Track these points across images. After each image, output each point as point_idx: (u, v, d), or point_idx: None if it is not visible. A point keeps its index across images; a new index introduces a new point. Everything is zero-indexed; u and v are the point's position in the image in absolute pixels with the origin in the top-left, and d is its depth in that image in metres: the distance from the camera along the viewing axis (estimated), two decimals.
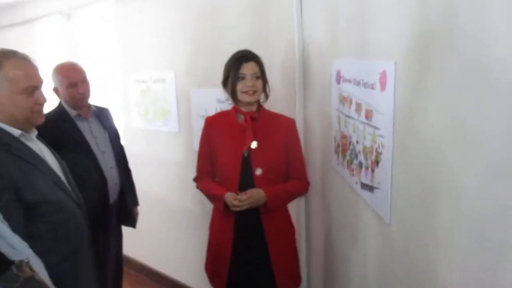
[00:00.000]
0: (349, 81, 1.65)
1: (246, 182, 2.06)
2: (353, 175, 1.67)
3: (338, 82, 1.81)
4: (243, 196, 1.99)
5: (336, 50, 1.87)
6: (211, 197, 2.19)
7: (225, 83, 2.12)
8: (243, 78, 2.04)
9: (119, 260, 2.84)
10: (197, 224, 3.23)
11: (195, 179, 2.32)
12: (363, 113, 1.51)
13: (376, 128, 1.39)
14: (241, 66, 2.05)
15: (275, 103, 2.30)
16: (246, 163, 2.08)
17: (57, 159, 1.85)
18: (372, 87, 1.40)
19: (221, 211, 2.12)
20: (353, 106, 1.62)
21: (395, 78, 1.23)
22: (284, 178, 2.14)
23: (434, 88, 1.05)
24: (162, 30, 3.27)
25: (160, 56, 3.36)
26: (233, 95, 2.09)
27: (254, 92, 2.04)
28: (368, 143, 1.48)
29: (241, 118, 2.12)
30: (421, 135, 1.12)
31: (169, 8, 3.17)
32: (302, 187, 2.20)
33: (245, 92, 2.04)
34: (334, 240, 2.08)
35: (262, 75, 2.07)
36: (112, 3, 3.67)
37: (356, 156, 1.62)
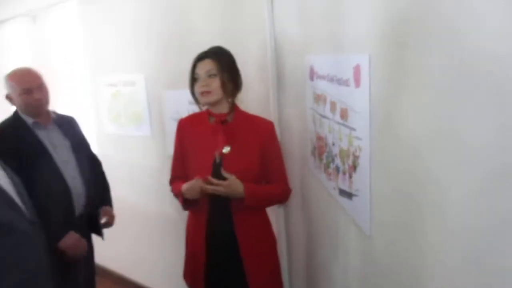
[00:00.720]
0: (323, 77, 1.51)
1: None
2: (330, 179, 1.54)
3: (312, 79, 1.67)
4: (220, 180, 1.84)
5: (309, 45, 1.73)
6: (177, 196, 2.05)
7: None
8: (197, 78, 1.91)
9: (91, 271, 2.67)
10: (175, 231, 3.07)
11: (170, 183, 2.18)
12: (338, 112, 1.37)
13: (352, 129, 1.25)
14: (195, 66, 1.92)
15: (250, 104, 2.16)
16: (217, 169, 1.93)
17: (7, 174, 1.68)
18: (346, 83, 1.26)
19: (194, 216, 2.00)
20: (328, 105, 1.48)
21: (370, 73, 1.09)
22: None
23: (413, 84, 0.91)
24: (130, 31, 3.14)
25: (129, 58, 3.21)
26: (195, 97, 1.97)
27: (208, 92, 1.89)
28: (344, 146, 1.34)
29: (213, 120, 1.98)
30: (400, 137, 0.98)
31: (136, 9, 3.02)
32: (282, 193, 2.05)
33: (200, 93, 1.90)
34: (315, 249, 1.94)
35: (220, 72, 1.88)
36: (79, 3, 3.50)
37: (333, 159, 1.48)
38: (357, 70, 1.16)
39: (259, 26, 2.21)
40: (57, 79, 4.04)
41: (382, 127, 1.07)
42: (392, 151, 1.03)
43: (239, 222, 1.93)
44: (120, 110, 3.44)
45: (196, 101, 1.97)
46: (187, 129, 2.06)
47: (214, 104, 1.93)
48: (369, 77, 1.09)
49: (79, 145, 2.48)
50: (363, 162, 1.18)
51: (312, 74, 1.65)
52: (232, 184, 1.85)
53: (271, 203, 2.07)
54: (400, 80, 0.97)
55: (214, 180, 1.84)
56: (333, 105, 1.42)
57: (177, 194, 2.03)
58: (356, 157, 1.23)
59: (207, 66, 1.88)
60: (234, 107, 1.99)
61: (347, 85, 1.25)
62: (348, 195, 1.33)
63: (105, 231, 3.68)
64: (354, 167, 1.26)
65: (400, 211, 1.03)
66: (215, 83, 1.88)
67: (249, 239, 1.96)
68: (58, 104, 4.10)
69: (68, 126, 2.48)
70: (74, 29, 3.67)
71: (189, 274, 2.12)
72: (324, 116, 1.54)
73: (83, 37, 3.60)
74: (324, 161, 1.60)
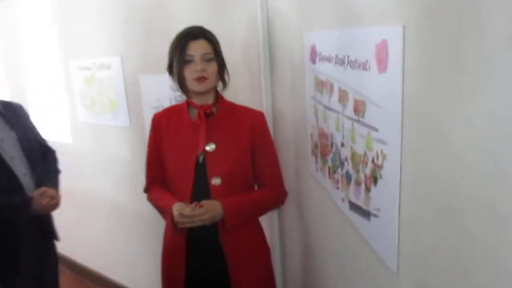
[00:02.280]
0: (328, 59, 1.19)
1: (200, 194, 1.61)
2: (337, 188, 1.23)
3: (313, 62, 1.35)
4: (195, 209, 1.53)
5: (308, 19, 1.40)
6: (159, 209, 1.75)
7: (170, 69, 1.65)
8: (190, 61, 1.57)
9: (54, 272, 2.37)
10: (154, 227, 2.76)
11: (145, 190, 1.86)
12: (350, 104, 1.06)
13: (372, 128, 0.93)
14: (187, 46, 1.57)
15: (237, 92, 1.85)
16: (201, 171, 1.63)
17: None
18: (363, 67, 0.94)
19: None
20: (335, 94, 1.16)
21: (404, 52, 0.77)
22: (249, 189, 1.71)
23: (475, 66, 0.60)
24: (104, 9, 2.80)
25: (104, 39, 2.88)
26: (181, 83, 1.63)
27: (205, 78, 1.57)
28: (359, 149, 1.03)
29: (194, 113, 1.66)
30: (452, 144, 0.67)
31: None
32: (274, 199, 1.76)
33: (195, 79, 1.57)
34: (316, 270, 1.62)
35: (216, 56, 1.60)
36: None
37: (342, 164, 1.17)
38: (381, 48, 0.84)
39: (248, 0, 1.88)
40: (26, 64, 3.71)
41: (421, 129, 0.76)
42: (437, 163, 0.72)
43: (225, 232, 1.63)
44: (94, 97, 3.10)
45: (181, 87, 1.65)
46: (164, 124, 1.75)
47: (204, 93, 1.62)
48: (402, 58, 0.77)
49: (27, 137, 2.16)
50: (389, 175, 0.87)
51: (314, 56, 1.33)
52: (211, 209, 1.55)
53: (261, 213, 1.77)
54: (453, 61, 0.65)
55: (187, 212, 1.53)
56: (343, 95, 1.10)
57: (162, 209, 1.71)
58: (377, 167, 0.92)
59: (203, 47, 1.57)
60: (218, 97, 1.68)
61: (365, 69, 0.93)
62: (364, 213, 1.02)
63: (83, 228, 3.40)
64: (373, 178, 0.95)
65: (444, 245, 0.73)
66: (213, 69, 1.59)
67: (238, 249, 1.68)
68: (27, 91, 3.77)
69: (14, 116, 2.16)
70: (44, 9, 3.32)
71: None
72: (329, 108, 1.23)
73: (54, 16, 3.26)
74: (329, 164, 1.28)
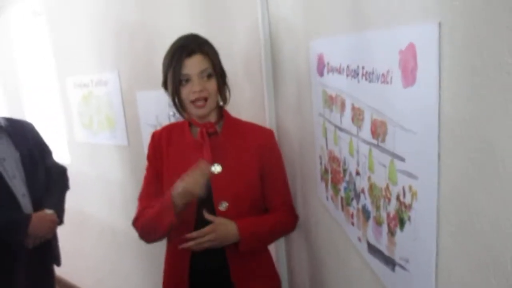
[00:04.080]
0: (338, 70, 0.99)
1: (205, 221, 1.42)
2: (352, 224, 1.02)
3: (321, 74, 1.15)
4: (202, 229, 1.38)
5: (315, 25, 1.21)
6: (157, 216, 1.42)
7: (165, 85, 1.47)
8: (187, 80, 1.39)
9: None
10: (154, 254, 2.58)
11: (134, 222, 1.55)
12: (366, 125, 0.86)
13: (396, 157, 0.73)
14: (182, 64, 1.37)
15: (238, 108, 1.67)
16: (205, 195, 1.44)
17: None
18: (383, 79, 0.75)
19: (173, 252, 1.54)
20: (348, 112, 0.97)
21: (440, 58, 0.57)
22: (258, 213, 1.54)
23: None
24: (99, 23, 2.68)
25: (101, 55, 2.76)
26: (179, 105, 1.46)
27: (205, 98, 1.39)
28: (379, 181, 0.82)
29: (197, 131, 1.50)
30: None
31: None
32: (287, 223, 1.58)
33: (193, 102, 1.39)
34: None
35: (215, 70, 1.41)
36: None
37: (357, 196, 0.96)
38: (408, 54, 0.65)
39: (249, 7, 1.70)
40: (21, 81, 3.60)
41: (468, 162, 0.55)
42: (492, 208, 0.52)
43: (236, 259, 1.48)
44: (92, 115, 2.95)
45: (180, 110, 1.47)
46: (164, 144, 1.56)
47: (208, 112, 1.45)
48: (437, 66, 0.57)
49: (32, 157, 2.09)
50: (421, 219, 0.67)
51: (322, 67, 1.14)
52: (219, 229, 1.39)
53: (275, 238, 1.62)
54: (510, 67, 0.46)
55: (193, 233, 1.37)
56: (357, 113, 0.90)
57: (160, 212, 1.42)
58: (404, 206, 0.72)
59: (201, 63, 1.38)
60: (223, 114, 1.51)
61: (386, 83, 0.74)
62: (387, 261, 0.82)
63: (85, 254, 3.24)
64: (399, 220, 0.75)
65: None
66: (213, 85, 1.40)
67: (248, 277, 1.50)
68: (23, 110, 3.64)
69: (21, 134, 2.11)
70: (39, 25, 3.25)
71: None
72: (341, 129, 1.03)
73: (49, 33, 3.15)
74: (342, 193, 1.08)
